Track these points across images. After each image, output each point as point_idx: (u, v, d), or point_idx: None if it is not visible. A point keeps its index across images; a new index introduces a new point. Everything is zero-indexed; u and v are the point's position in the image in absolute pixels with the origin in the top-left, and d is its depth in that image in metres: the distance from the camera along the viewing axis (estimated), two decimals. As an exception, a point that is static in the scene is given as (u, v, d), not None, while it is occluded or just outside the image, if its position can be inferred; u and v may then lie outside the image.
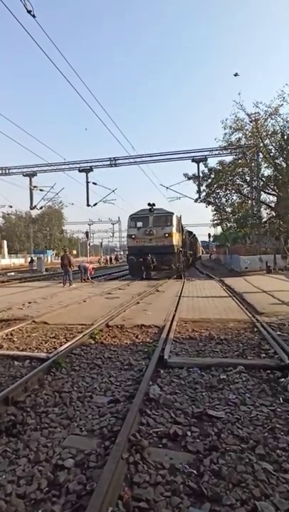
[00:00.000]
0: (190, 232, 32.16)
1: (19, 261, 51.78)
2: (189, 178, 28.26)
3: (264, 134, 24.36)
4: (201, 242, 62.19)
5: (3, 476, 2.05)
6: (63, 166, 25.02)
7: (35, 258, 32.71)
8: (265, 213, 28.10)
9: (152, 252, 16.18)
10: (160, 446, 2.35)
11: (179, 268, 18.15)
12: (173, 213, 17.23)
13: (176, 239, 16.96)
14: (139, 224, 17.42)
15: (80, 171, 24.54)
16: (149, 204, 17.16)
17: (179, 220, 18.53)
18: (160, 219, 16.92)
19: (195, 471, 2.04)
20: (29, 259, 33.69)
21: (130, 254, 17.35)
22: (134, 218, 17.81)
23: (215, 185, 28.87)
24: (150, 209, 17.04)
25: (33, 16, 7.70)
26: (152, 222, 16.82)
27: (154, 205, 17.12)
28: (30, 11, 7.58)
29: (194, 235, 38.69)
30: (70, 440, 2.44)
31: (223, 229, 41.86)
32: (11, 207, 53.12)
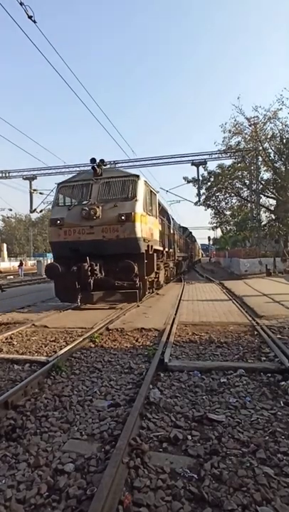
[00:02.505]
0: (185, 229, 25.48)
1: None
2: (189, 182, 28.38)
3: (263, 137, 24.52)
4: (201, 245, 62.05)
5: (3, 481, 2.04)
6: (63, 170, 25.11)
7: (33, 262, 31.76)
8: (264, 216, 28.27)
9: (96, 252, 7.98)
10: (160, 450, 2.34)
11: (154, 283, 10.27)
12: (138, 176, 8.65)
13: (146, 227, 8.55)
14: (76, 199, 8.89)
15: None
16: (92, 160, 8.51)
17: (152, 193, 9.82)
18: (112, 187, 8.46)
19: (196, 476, 2.03)
20: (18, 263, 29.51)
21: (55, 258, 8.79)
22: (64, 188, 9.05)
23: (214, 189, 29.00)
24: (94, 168, 8.54)
25: (34, 22, 7.77)
26: (97, 195, 8.34)
27: (102, 162, 8.68)
28: (31, 17, 7.65)
29: (191, 233, 31.23)
30: (70, 444, 2.43)
31: (222, 232, 41.96)
32: (10, 210, 53.04)
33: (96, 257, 7.96)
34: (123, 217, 7.85)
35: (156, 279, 10.42)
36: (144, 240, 8.20)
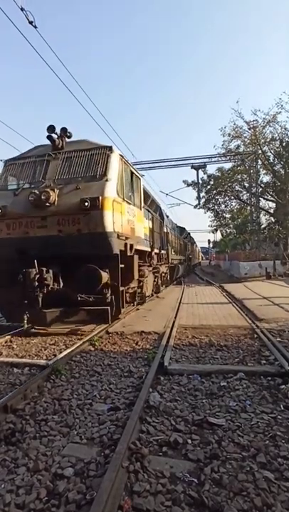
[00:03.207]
0: (183, 229, 23.06)
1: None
2: (189, 185, 28.53)
3: (262, 141, 24.66)
4: (201, 248, 62.04)
5: (2, 486, 2.03)
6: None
7: None
8: (264, 219, 28.37)
9: (50, 253, 5.68)
10: (160, 454, 2.33)
11: (137, 295, 7.72)
12: (110, 148, 6.25)
13: (123, 218, 6.33)
14: (26, 180, 6.42)
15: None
16: (50, 129, 6.28)
17: (134, 175, 7.46)
18: (74, 164, 6.16)
19: (196, 480, 2.02)
20: None
21: None
22: (13, 166, 6.74)
23: (214, 192, 29.13)
24: (51, 139, 6.33)
25: (35, 27, 7.82)
26: (55, 174, 6.10)
27: (65, 132, 6.45)
28: (32, 22, 7.70)
29: (189, 234, 28.70)
30: (70, 448, 2.41)
31: (222, 235, 42.04)
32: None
33: (51, 261, 5.68)
34: (87, 204, 5.47)
35: (139, 290, 7.86)
36: (118, 236, 5.90)
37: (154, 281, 10.53)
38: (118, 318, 6.62)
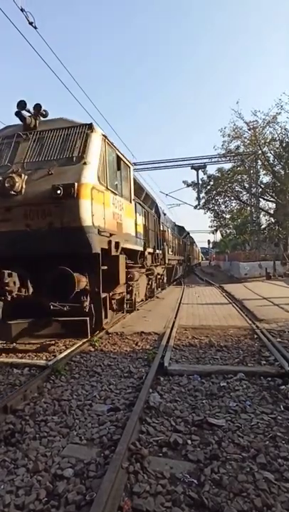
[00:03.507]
0: (182, 229, 21.96)
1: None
2: (188, 185, 28.56)
3: (262, 141, 24.70)
4: (201, 248, 62.08)
5: (2, 487, 2.02)
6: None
7: None
8: (264, 220, 28.40)
9: (16, 252, 4.79)
10: (160, 455, 2.32)
11: (125, 302, 6.78)
12: (91, 127, 5.16)
13: (106, 211, 5.28)
14: None
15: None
16: (21, 105, 5.28)
17: (122, 160, 6.39)
18: (47, 145, 5.14)
19: (196, 481, 2.02)
20: None
21: None
22: None
23: (214, 192, 29.16)
24: (20, 117, 5.38)
25: (35, 28, 7.83)
26: (24, 157, 5.12)
27: (39, 110, 5.46)
28: (32, 23, 7.71)
29: (188, 233, 27.70)
30: (70, 449, 2.41)
31: (222, 235, 42.06)
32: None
33: (18, 261, 4.78)
34: (59, 192, 4.51)
35: (128, 296, 6.93)
36: (99, 231, 4.96)
37: (148, 284, 9.59)
38: (103, 329, 5.80)
